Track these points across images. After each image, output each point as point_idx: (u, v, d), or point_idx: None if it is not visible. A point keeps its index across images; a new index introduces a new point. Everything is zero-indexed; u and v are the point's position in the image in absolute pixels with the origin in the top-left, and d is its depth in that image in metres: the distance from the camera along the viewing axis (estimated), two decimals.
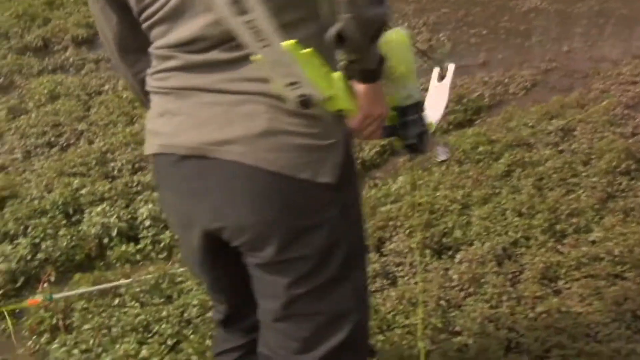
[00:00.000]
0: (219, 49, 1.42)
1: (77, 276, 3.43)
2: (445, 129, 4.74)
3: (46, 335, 3.03)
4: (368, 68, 1.45)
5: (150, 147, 1.63)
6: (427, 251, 3.43)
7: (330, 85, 1.42)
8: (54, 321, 3.07)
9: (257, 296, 1.68)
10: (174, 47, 1.47)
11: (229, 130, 1.44)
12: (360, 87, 1.49)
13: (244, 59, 1.38)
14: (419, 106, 1.62)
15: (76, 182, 4.27)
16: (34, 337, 3.06)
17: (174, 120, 1.53)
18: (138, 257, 3.73)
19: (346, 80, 1.47)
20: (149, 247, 3.76)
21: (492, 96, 5.25)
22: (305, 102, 1.40)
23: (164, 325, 2.82)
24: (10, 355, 3.00)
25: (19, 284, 3.53)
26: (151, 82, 1.59)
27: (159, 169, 1.64)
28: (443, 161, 3.45)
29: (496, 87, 5.41)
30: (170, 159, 1.55)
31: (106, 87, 6.09)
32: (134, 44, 1.62)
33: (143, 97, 1.72)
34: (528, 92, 5.35)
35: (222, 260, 1.72)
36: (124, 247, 3.75)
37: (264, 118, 1.43)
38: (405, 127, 1.61)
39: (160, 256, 3.74)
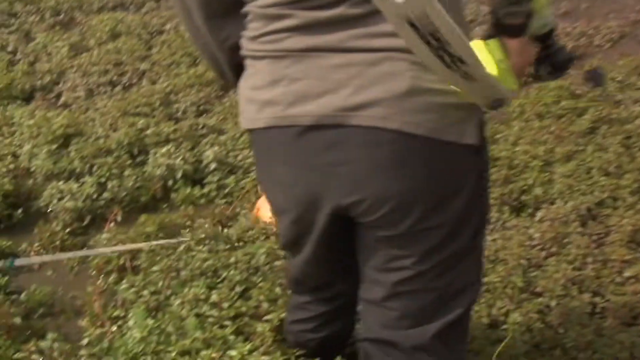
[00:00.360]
0: (348, 3, 1.30)
1: (142, 217, 3.46)
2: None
3: (114, 275, 3.07)
4: (522, 21, 1.37)
5: (255, 120, 1.49)
6: (506, 208, 3.33)
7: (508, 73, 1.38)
8: (121, 262, 3.11)
9: (370, 272, 1.59)
10: (289, 4, 1.35)
11: (367, 92, 1.32)
12: (512, 43, 1.41)
13: (378, 12, 1.24)
14: (553, 32, 1.56)
15: (141, 122, 4.29)
16: (102, 276, 3.10)
17: (294, 87, 1.39)
18: (202, 200, 3.74)
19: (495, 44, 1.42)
20: (214, 192, 3.77)
21: (575, 48, 5.02)
22: (499, 104, 1.34)
23: (232, 272, 2.81)
24: (79, 293, 3.06)
25: (85, 222, 3.60)
26: (255, 46, 1.45)
27: (270, 143, 1.49)
28: (596, 87, 3.22)
29: (579, 39, 5.19)
30: (290, 131, 1.42)
31: (168, 26, 6.08)
32: (220, 7, 1.49)
33: (228, 69, 1.60)
34: (615, 45, 5.11)
35: (336, 238, 1.63)
36: (188, 190, 3.76)
37: (407, 76, 1.32)
38: (551, 55, 1.53)
39: (224, 200, 3.75)
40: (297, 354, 2.23)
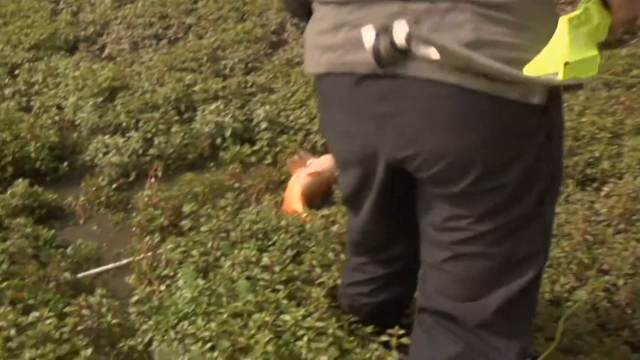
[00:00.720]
0: None
1: (188, 176, 3.45)
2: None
3: (157, 235, 3.07)
4: None
5: (318, 65, 1.50)
6: (570, 181, 3.24)
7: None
8: (163, 221, 3.09)
9: (430, 231, 1.57)
10: None
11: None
12: None
13: None
14: None
15: (188, 77, 4.27)
16: (146, 235, 3.10)
17: (354, 33, 1.38)
18: (253, 158, 3.72)
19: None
20: (265, 149, 3.75)
21: None
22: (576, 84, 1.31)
23: (282, 235, 2.79)
24: (124, 250, 3.08)
25: (131, 178, 3.61)
26: None
27: (330, 89, 1.52)
28: None
29: None
30: (347, 78, 1.44)
31: None
32: None
33: (301, 11, 1.61)
34: None
35: (395, 193, 1.63)
36: (237, 148, 3.74)
37: (470, 28, 1.28)
38: None
39: (273, 161, 3.72)
40: (352, 319, 2.24)
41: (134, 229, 3.20)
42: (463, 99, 1.32)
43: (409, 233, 1.72)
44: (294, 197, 3.22)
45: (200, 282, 2.50)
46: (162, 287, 2.64)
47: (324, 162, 3.46)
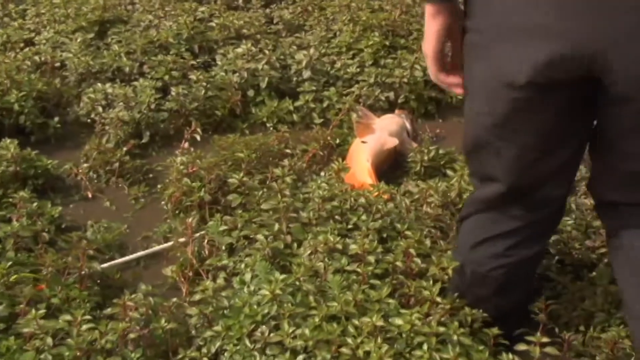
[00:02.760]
0: None
1: (229, 138, 3.36)
2: None
3: (194, 213, 2.98)
4: None
5: None
6: None
7: None
8: (204, 195, 3.00)
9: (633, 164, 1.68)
10: None
11: None
12: None
13: None
14: None
15: (201, 9, 4.15)
16: (179, 212, 3.02)
17: None
18: (295, 117, 3.67)
19: None
20: (310, 105, 3.69)
21: None
22: None
23: (364, 217, 2.74)
24: (155, 233, 3.00)
25: (144, 139, 3.53)
26: None
27: None
28: None
29: None
30: None
31: None
32: None
33: None
34: None
35: (574, 115, 1.71)
36: (276, 103, 3.68)
37: None
38: None
39: (320, 120, 3.67)
40: (474, 320, 2.26)
41: (163, 204, 3.11)
42: None
43: (571, 167, 1.88)
44: (361, 168, 3.17)
45: (278, 275, 2.42)
46: (220, 281, 2.56)
47: (391, 123, 3.46)
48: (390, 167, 3.35)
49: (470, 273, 2.21)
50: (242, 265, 2.58)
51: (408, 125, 3.54)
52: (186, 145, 3.37)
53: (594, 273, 2.60)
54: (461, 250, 2.27)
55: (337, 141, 3.46)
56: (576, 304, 2.47)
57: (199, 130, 3.41)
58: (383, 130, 3.37)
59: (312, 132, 3.49)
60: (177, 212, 3.04)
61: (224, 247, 2.75)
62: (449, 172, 3.15)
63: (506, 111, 1.75)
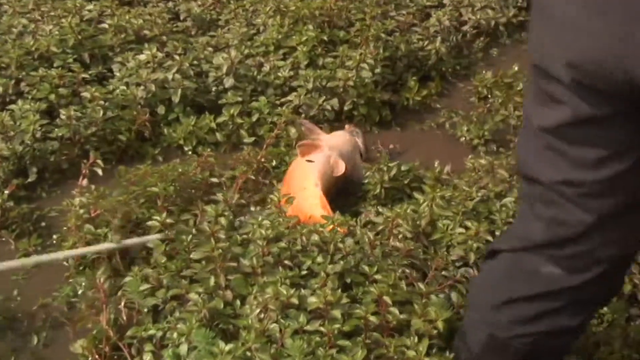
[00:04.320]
0: None
1: (122, 170, 3.22)
2: None
3: (104, 268, 2.84)
4: None
5: None
6: None
7: None
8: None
9: None
10: None
11: None
12: None
13: None
14: None
15: (88, 8, 4.07)
16: (83, 268, 2.86)
17: None
18: (219, 136, 3.56)
19: None
20: (237, 120, 3.57)
21: None
22: None
23: (319, 259, 2.64)
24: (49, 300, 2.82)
25: (31, 178, 3.35)
26: None
27: None
28: None
29: None
30: None
31: None
32: None
33: None
34: None
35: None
36: (193, 121, 3.55)
37: None
38: None
39: (251, 139, 3.56)
40: None
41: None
42: None
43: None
44: (309, 196, 3.03)
45: (222, 345, 2.29)
46: (147, 357, 2.42)
47: (343, 142, 3.36)
48: (339, 192, 3.24)
49: (487, 337, 2.04)
50: (174, 334, 2.44)
51: (361, 144, 3.47)
52: (84, 182, 3.20)
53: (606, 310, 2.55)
54: (478, 304, 2.09)
55: (274, 163, 3.36)
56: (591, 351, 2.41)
57: (99, 162, 3.27)
58: (333, 150, 3.26)
59: (242, 153, 3.37)
60: (80, 268, 2.90)
61: (146, 310, 2.60)
62: (415, 194, 3.06)
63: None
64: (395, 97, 3.78)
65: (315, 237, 2.74)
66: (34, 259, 2.84)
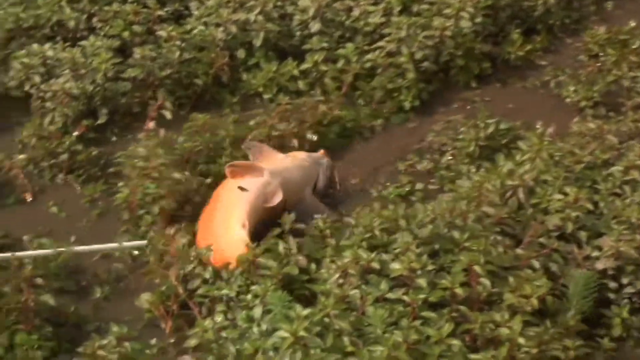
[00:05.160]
0: None
1: (193, 117, 3.29)
2: None
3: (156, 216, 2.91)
4: None
5: None
6: None
7: None
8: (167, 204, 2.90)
9: None
10: None
11: None
12: None
13: None
14: None
15: None
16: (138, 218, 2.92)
17: None
18: (301, 84, 3.57)
19: None
20: (322, 68, 3.58)
21: None
22: None
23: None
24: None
25: (101, 120, 3.44)
26: None
27: None
28: None
29: None
30: None
31: None
32: None
33: None
34: None
35: None
36: (274, 67, 3.58)
37: None
38: None
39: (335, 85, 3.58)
40: None
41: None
42: None
43: None
44: (233, 243, 2.80)
45: (300, 310, 2.34)
46: (219, 319, 2.49)
47: (294, 168, 3.14)
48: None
49: None
50: (249, 296, 2.51)
51: (321, 175, 3.21)
52: (152, 124, 3.28)
53: None
54: None
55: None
56: None
57: (167, 104, 3.36)
58: (275, 176, 3.04)
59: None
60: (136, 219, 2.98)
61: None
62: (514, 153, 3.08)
63: None
64: (496, 50, 3.75)
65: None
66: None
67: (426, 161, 3.22)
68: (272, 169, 3.02)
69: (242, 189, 2.90)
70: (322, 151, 3.26)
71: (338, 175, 3.25)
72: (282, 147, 3.17)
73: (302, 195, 3.08)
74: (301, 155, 3.20)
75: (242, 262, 2.62)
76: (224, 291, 2.56)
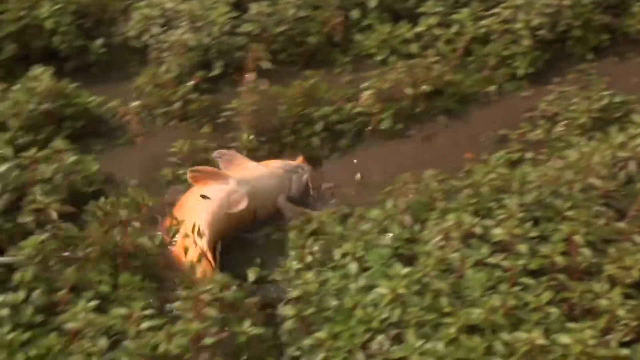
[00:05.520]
0: None
1: (308, 73, 3.36)
2: None
3: None
4: None
5: None
6: None
7: None
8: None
9: None
10: None
11: None
12: None
13: None
14: None
15: None
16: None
17: None
18: (414, 46, 3.57)
19: None
20: (435, 32, 3.59)
21: None
22: None
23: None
24: None
25: (215, 71, 3.48)
26: None
27: None
28: None
29: None
30: None
31: None
32: None
33: None
34: None
35: None
36: (388, 29, 3.59)
37: None
38: None
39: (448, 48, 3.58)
40: None
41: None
42: None
43: None
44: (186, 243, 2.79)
45: (400, 268, 2.39)
46: (309, 276, 2.54)
47: (264, 176, 3.11)
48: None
49: None
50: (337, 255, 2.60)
51: (294, 182, 3.17)
52: (252, 76, 3.37)
53: None
54: None
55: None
56: None
57: (262, 58, 3.43)
58: (243, 184, 3.01)
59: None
60: None
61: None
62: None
63: None
64: (615, 22, 3.67)
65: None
66: None
67: (539, 130, 3.18)
68: (240, 178, 3.01)
69: (204, 197, 2.88)
70: (300, 158, 3.24)
71: (315, 182, 3.22)
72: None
73: (275, 203, 3.07)
74: (275, 163, 3.18)
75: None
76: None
